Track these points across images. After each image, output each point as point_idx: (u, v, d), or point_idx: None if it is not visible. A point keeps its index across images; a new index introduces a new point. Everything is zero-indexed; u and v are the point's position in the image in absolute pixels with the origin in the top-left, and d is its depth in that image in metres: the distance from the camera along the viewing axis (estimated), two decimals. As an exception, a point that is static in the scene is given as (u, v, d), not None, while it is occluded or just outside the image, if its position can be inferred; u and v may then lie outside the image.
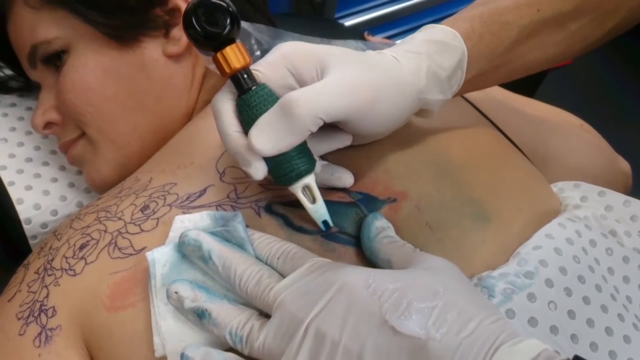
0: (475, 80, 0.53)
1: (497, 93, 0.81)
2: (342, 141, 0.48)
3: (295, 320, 0.38)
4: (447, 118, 0.59)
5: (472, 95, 0.68)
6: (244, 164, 0.44)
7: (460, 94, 0.54)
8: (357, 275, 0.39)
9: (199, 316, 0.41)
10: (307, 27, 1.00)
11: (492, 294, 0.45)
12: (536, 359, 0.34)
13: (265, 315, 0.41)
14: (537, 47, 0.54)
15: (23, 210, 0.66)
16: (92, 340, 0.47)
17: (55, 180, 0.69)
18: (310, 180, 0.45)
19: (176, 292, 0.42)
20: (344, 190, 0.50)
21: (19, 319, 0.49)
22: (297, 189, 0.45)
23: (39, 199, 0.67)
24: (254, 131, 0.42)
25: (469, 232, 0.50)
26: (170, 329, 0.43)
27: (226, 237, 0.44)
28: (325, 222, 0.46)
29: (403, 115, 0.48)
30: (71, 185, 0.69)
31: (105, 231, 0.50)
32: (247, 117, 0.43)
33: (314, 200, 0.45)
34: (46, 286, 0.49)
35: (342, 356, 0.36)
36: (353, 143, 0.49)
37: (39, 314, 0.48)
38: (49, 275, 0.50)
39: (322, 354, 0.37)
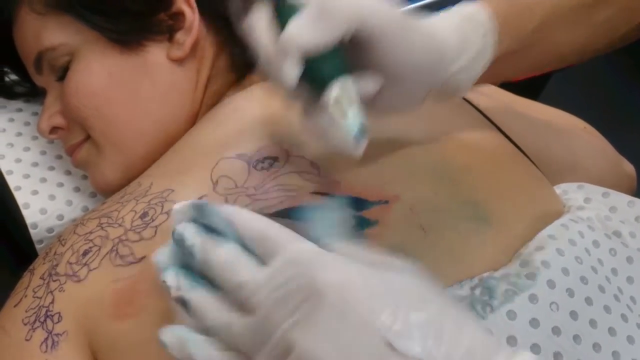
0: (506, 60, 0.52)
1: (501, 96, 0.81)
2: (373, 83, 0.45)
3: (269, 326, 0.35)
4: (449, 121, 0.59)
5: (476, 98, 0.68)
6: (275, 69, 0.42)
7: (491, 79, 0.54)
8: (337, 275, 0.35)
9: (183, 305, 0.40)
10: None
11: (494, 295, 0.45)
12: None
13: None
14: (566, 30, 0.54)
15: (29, 215, 0.66)
16: (97, 346, 0.48)
17: (61, 184, 0.69)
18: (345, 83, 0.42)
19: (164, 281, 0.41)
20: (329, 195, 0.50)
21: (25, 324, 0.49)
22: (332, 90, 0.41)
23: (45, 204, 0.67)
24: (293, 23, 0.40)
25: (467, 233, 0.50)
26: None
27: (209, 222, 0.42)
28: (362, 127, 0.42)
29: (433, 69, 0.47)
30: (77, 189, 0.70)
31: (107, 238, 0.50)
32: (285, 18, 0.41)
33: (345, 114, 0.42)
34: (51, 292, 0.50)
35: None
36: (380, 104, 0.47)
37: (45, 320, 0.48)
38: (53, 281, 0.50)
39: None
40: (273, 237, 0.38)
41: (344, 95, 0.42)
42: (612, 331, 0.46)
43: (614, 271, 0.51)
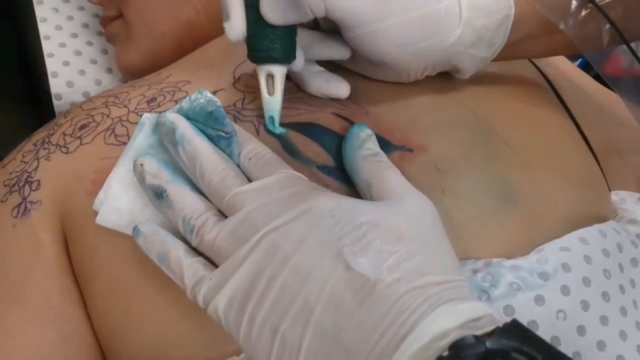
0: (524, 45, 0.47)
1: (586, 83, 0.74)
2: (339, 52, 0.45)
3: (252, 227, 0.36)
4: (511, 87, 0.54)
5: (557, 82, 0.62)
6: (224, 17, 0.42)
7: (507, 57, 0.49)
8: (325, 202, 0.36)
9: (157, 195, 0.39)
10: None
11: (496, 284, 0.40)
12: (477, 320, 0.32)
13: (223, 214, 0.39)
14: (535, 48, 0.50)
15: (55, 85, 0.65)
16: (69, 221, 0.46)
17: (94, 62, 0.67)
18: (276, 70, 0.43)
19: (141, 165, 0.40)
20: (351, 122, 0.46)
21: (5, 185, 0.49)
22: (260, 71, 0.43)
23: (74, 77, 0.66)
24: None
25: (487, 210, 0.44)
26: (117, 194, 0.42)
27: (205, 122, 0.41)
28: (271, 118, 0.44)
29: (418, 55, 0.43)
30: (109, 70, 0.68)
31: (108, 116, 0.48)
32: None
33: (274, 93, 0.43)
34: (38, 159, 0.49)
35: (289, 273, 0.34)
36: (365, 72, 0.47)
37: (24, 185, 0.47)
38: (44, 149, 0.49)
39: (269, 265, 0.34)
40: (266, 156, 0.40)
41: (268, 83, 0.43)
42: (620, 358, 0.41)
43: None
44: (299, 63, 0.44)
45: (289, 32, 0.42)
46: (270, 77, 0.43)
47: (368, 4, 0.40)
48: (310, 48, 0.45)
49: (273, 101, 0.43)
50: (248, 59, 0.43)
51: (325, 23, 0.45)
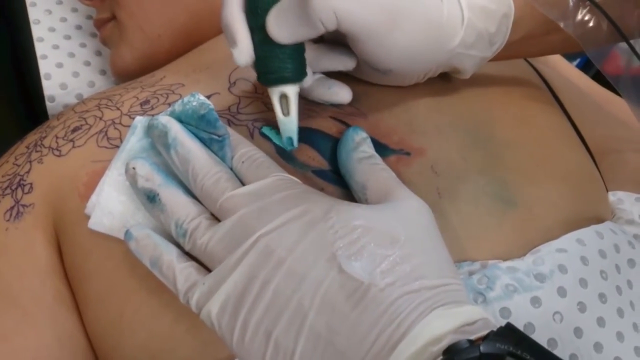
0: (522, 44, 0.47)
1: (583, 83, 0.74)
2: (344, 63, 0.44)
3: (246, 229, 0.35)
4: (507, 88, 0.53)
5: (555, 82, 0.61)
6: (230, 42, 0.41)
7: (506, 56, 0.48)
8: (319, 205, 0.36)
9: (149, 199, 0.39)
10: None
11: (492, 286, 0.40)
12: (472, 325, 0.32)
13: (216, 218, 0.38)
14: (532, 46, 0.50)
15: (48, 87, 0.64)
16: (61, 223, 0.46)
17: (88, 63, 0.67)
18: (290, 90, 0.41)
19: (134, 168, 0.39)
20: (348, 125, 0.46)
21: None
22: (273, 93, 0.42)
23: (67, 79, 0.65)
24: (274, 12, 0.39)
25: (485, 211, 0.44)
26: (109, 198, 0.42)
27: (197, 125, 0.40)
28: (289, 139, 0.42)
29: (423, 61, 0.43)
30: (102, 72, 0.67)
31: (101, 118, 0.48)
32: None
33: (288, 113, 0.42)
34: (30, 162, 0.48)
35: (283, 276, 0.34)
36: (368, 78, 0.46)
37: (17, 188, 0.47)
38: (36, 152, 0.48)
39: (263, 269, 0.34)
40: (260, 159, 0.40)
41: (281, 104, 0.42)
42: None
43: (643, 297, 0.44)
44: (308, 79, 0.43)
45: (298, 50, 0.41)
46: (283, 97, 0.42)
47: (378, 15, 0.39)
48: (317, 62, 0.44)
49: (289, 121, 0.42)
50: (259, 81, 0.42)
51: (330, 35, 0.44)
